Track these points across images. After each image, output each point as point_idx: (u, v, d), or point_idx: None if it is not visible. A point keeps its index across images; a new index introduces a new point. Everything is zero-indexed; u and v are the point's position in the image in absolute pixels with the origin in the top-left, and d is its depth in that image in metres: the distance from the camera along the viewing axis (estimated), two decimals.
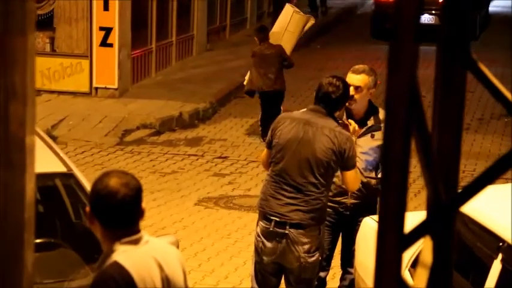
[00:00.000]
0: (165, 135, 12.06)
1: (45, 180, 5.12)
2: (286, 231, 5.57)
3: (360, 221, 6.06)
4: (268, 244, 5.64)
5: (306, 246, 5.57)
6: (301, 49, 18.29)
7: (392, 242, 1.57)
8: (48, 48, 13.30)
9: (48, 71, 13.09)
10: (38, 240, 3.81)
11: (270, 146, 5.71)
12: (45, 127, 10.98)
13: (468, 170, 10.07)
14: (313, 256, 5.60)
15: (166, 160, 10.96)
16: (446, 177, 1.73)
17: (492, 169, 1.68)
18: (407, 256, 4.32)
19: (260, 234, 5.68)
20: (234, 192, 9.78)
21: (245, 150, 11.43)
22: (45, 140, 5.59)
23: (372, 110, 6.20)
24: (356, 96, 6.06)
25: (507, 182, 5.92)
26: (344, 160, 5.55)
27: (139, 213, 3.43)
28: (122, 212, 3.38)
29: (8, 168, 1.68)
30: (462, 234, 4.60)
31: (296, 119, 5.64)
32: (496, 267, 4.32)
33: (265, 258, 5.70)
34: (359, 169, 5.99)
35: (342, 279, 6.43)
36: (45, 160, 5.12)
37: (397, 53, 1.66)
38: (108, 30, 13.00)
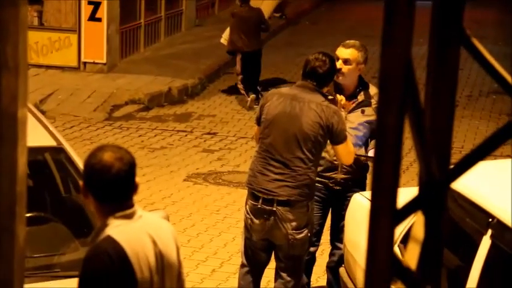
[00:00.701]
0: (154, 110, 12.03)
1: (35, 154, 5.10)
2: (274, 209, 5.57)
3: (350, 197, 6.09)
4: (257, 221, 5.65)
5: (294, 223, 5.57)
6: (290, 26, 18.28)
7: (385, 217, 1.57)
8: (36, 22, 13.22)
9: (36, 45, 13.01)
10: (28, 215, 3.80)
11: (259, 122, 5.72)
12: (34, 101, 10.93)
13: (456, 147, 10.10)
14: (301, 233, 5.61)
15: (155, 136, 10.95)
16: (439, 153, 1.73)
17: (484, 146, 1.69)
18: (397, 232, 4.33)
19: (249, 212, 5.69)
20: (223, 168, 9.79)
21: (234, 126, 11.42)
22: (35, 114, 5.57)
23: (362, 86, 6.20)
24: (344, 70, 6.07)
25: (495, 159, 5.94)
26: (333, 134, 5.54)
27: (133, 187, 3.43)
28: (116, 186, 3.37)
29: (0, 142, 1.67)
30: (452, 210, 4.62)
31: (283, 94, 5.64)
32: (486, 243, 4.35)
33: (254, 235, 5.71)
34: None
35: (331, 254, 6.46)
36: (35, 134, 5.10)
37: (391, 28, 1.65)
38: (96, 5, 12.93)
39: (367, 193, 5.76)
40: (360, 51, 6.15)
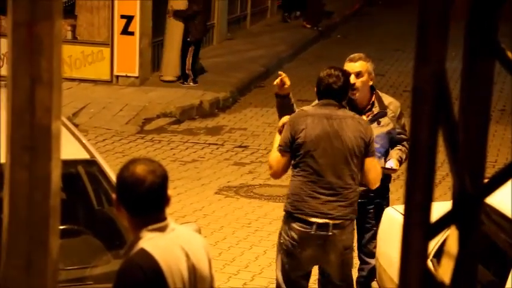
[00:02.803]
0: (185, 123, 12.07)
1: (68, 167, 5.13)
2: (330, 233, 5.45)
3: (372, 209, 6.07)
4: (309, 249, 5.50)
5: (346, 243, 5.53)
6: (321, 39, 18.29)
7: (418, 232, 1.56)
8: (69, 35, 13.34)
9: (70, 58, 13.13)
10: (61, 227, 3.85)
11: (289, 149, 5.51)
12: (67, 115, 11.02)
13: (490, 161, 10.01)
14: (352, 251, 5.63)
15: (187, 149, 10.98)
16: (472, 168, 1.72)
17: None
18: (431, 247, 4.30)
19: (296, 240, 5.50)
20: (254, 181, 9.78)
21: (265, 139, 11.42)
22: (68, 127, 5.61)
23: (376, 97, 6.16)
24: (358, 84, 6.01)
25: None
26: (369, 146, 5.53)
27: (165, 200, 3.43)
28: (148, 199, 3.38)
29: (34, 154, 1.69)
30: (485, 225, 4.58)
31: (316, 114, 5.51)
32: None
33: (303, 263, 5.58)
34: None
35: (360, 269, 6.41)
36: (68, 147, 5.13)
37: (425, 43, 1.65)
38: (129, 19, 13.02)
39: (400, 207, 5.73)
40: (367, 61, 6.14)
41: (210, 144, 11.20)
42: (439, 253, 4.05)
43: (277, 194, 9.24)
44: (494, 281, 4.56)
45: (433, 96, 1.63)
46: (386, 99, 6.19)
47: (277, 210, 8.87)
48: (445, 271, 1.67)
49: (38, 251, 1.68)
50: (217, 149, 11.01)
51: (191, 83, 13.37)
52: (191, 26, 13.09)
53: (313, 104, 5.70)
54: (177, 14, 13.04)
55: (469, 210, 1.68)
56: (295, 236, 5.49)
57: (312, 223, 5.43)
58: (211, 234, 8.07)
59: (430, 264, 4.67)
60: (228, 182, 9.74)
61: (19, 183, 1.68)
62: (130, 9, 13.04)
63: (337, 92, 5.52)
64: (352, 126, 5.49)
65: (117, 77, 13.30)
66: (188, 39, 13.21)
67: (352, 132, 5.47)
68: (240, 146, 11.14)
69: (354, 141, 5.45)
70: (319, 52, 16.99)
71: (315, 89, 5.65)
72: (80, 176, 5.38)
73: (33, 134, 1.70)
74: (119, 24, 13.05)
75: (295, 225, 5.49)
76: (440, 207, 1.82)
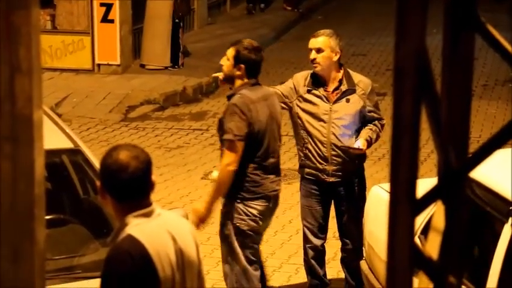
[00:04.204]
0: (169, 110, 12.05)
1: (52, 156, 5.12)
2: (277, 201, 5.90)
3: (347, 189, 6.10)
4: (266, 220, 5.82)
5: None
6: (302, 21, 18.26)
7: (404, 208, 1.57)
8: (49, 25, 13.26)
9: (50, 48, 13.05)
10: (47, 217, 3.84)
11: (245, 138, 5.51)
12: (49, 105, 10.96)
13: (474, 137, 10.04)
14: None
15: (171, 135, 10.96)
16: (456, 143, 1.72)
17: (501, 134, 1.68)
18: (417, 224, 4.33)
19: (257, 214, 5.70)
20: None
21: None
22: (51, 117, 5.59)
23: (345, 75, 6.14)
24: (318, 59, 6.05)
25: None
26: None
27: (150, 185, 3.43)
28: (133, 185, 3.38)
29: (16, 144, 1.68)
30: (471, 199, 4.60)
31: (256, 99, 5.59)
32: (507, 231, 4.32)
33: (261, 232, 5.88)
34: (335, 135, 6.02)
35: (342, 250, 6.43)
36: (51, 137, 5.11)
37: (404, 20, 1.64)
38: (108, 6, 12.95)
39: (386, 185, 5.75)
40: (330, 37, 6.10)
41: (194, 129, 11.18)
42: (426, 230, 4.06)
43: None
44: (482, 255, 4.59)
45: (414, 73, 1.63)
46: (356, 77, 6.16)
47: None
48: (432, 247, 1.67)
49: (24, 241, 1.68)
50: (202, 134, 11.00)
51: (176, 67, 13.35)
52: (175, 6, 13.08)
53: (240, 84, 5.65)
54: None
55: (454, 185, 1.69)
56: (256, 212, 5.70)
57: (270, 199, 5.74)
58: None
59: (417, 240, 4.68)
60: (214, 167, 9.72)
61: (2, 174, 1.68)
62: None
63: (260, 68, 5.73)
64: (277, 102, 5.81)
65: (99, 65, 13.24)
66: (177, 20, 13.21)
67: (278, 108, 5.81)
68: None
69: (279, 117, 5.81)
70: (301, 34, 16.96)
71: (241, 67, 5.64)
72: (65, 166, 5.37)
73: (14, 124, 1.69)
74: (98, 12, 12.97)
75: (254, 204, 5.69)
76: (426, 184, 1.82)
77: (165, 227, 3.47)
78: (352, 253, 6.24)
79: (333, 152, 6.04)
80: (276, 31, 16.66)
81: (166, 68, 13.34)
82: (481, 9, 1.74)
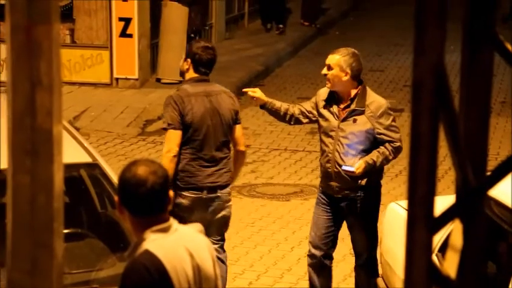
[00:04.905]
0: None
1: (71, 170, 5.13)
2: (218, 194, 6.09)
3: (349, 206, 6.08)
4: (201, 212, 6.04)
5: (228, 198, 6.20)
6: (320, 36, 18.27)
7: (422, 225, 1.56)
8: (68, 39, 13.34)
9: (69, 62, 13.12)
10: (65, 231, 3.85)
11: (181, 125, 5.97)
12: (68, 119, 11.02)
13: (492, 154, 10.00)
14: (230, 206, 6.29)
15: None
16: (474, 160, 1.72)
17: None
18: (434, 241, 4.30)
19: (187, 205, 5.98)
20: (256, 180, 9.78)
21: (267, 138, 11.42)
22: (69, 131, 5.61)
23: (361, 95, 6.10)
24: (328, 76, 6.10)
25: None
26: (237, 115, 6.24)
27: (167, 201, 3.44)
28: (151, 200, 3.38)
29: (36, 158, 1.69)
30: (489, 217, 4.58)
31: (196, 93, 6.05)
32: None
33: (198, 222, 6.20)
34: (339, 153, 6.03)
35: (355, 266, 6.41)
36: (70, 150, 5.13)
37: (423, 36, 1.64)
38: (127, 21, 13.01)
39: (403, 202, 5.73)
40: (343, 56, 6.08)
41: None
42: (444, 247, 4.04)
43: (280, 193, 9.24)
44: (500, 274, 4.56)
45: (432, 89, 1.63)
46: (371, 97, 6.10)
47: (281, 209, 8.88)
48: (450, 265, 1.66)
49: (42, 254, 1.68)
50: None
51: None
52: (189, 19, 13.11)
53: (187, 78, 6.18)
54: None
55: (473, 203, 1.68)
56: (186, 202, 6.01)
57: (202, 189, 6.01)
58: None
59: (435, 258, 4.66)
60: None
61: (22, 188, 1.69)
62: (128, 11, 13.03)
63: (212, 66, 6.21)
64: (226, 100, 6.15)
65: (117, 79, 13.30)
66: (192, 35, 13.24)
67: (227, 105, 6.12)
68: None
69: (229, 114, 6.12)
70: (318, 49, 16.97)
71: (188, 61, 6.13)
72: (83, 180, 5.38)
73: (34, 138, 1.70)
74: (117, 26, 13.04)
75: (184, 194, 6.02)
76: (444, 202, 1.82)
77: (182, 243, 3.48)
78: (362, 269, 6.23)
79: (335, 170, 6.07)
80: (294, 46, 16.67)
81: (181, 82, 13.38)
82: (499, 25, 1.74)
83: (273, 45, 16.35)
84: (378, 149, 6.00)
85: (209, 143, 6.02)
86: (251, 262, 7.55)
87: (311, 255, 6.34)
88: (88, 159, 5.35)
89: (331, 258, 6.33)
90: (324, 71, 6.13)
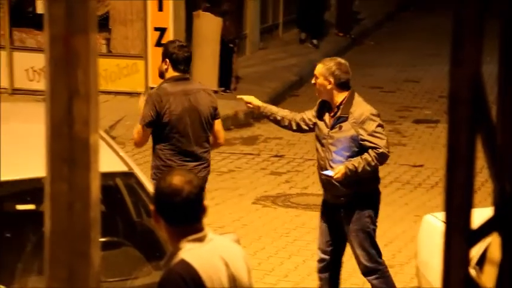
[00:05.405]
0: None
1: (106, 179, 5.16)
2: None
3: (341, 213, 6.15)
4: None
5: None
6: (354, 46, 18.24)
7: (459, 238, 1.55)
8: (104, 49, 13.45)
9: (105, 71, 13.22)
10: (101, 239, 3.87)
11: (151, 124, 6.33)
12: (103, 127, 11.09)
13: None
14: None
15: (223, 159, 10.99)
16: None
17: None
18: (472, 254, 4.25)
19: None
20: (291, 190, 9.77)
21: (301, 148, 11.41)
22: (105, 140, 5.64)
23: (347, 102, 6.17)
24: (316, 85, 6.27)
25: None
26: (216, 110, 6.57)
27: (203, 210, 3.45)
28: (186, 209, 3.40)
29: (73, 166, 1.70)
30: None
31: (175, 92, 6.33)
32: None
33: None
34: (328, 160, 6.13)
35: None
36: (106, 159, 5.14)
37: (460, 47, 1.63)
38: (162, 31, 13.09)
39: (439, 214, 5.69)
40: (325, 65, 6.23)
41: (246, 154, 11.20)
42: (482, 260, 4.01)
43: (315, 203, 9.21)
44: None
45: (469, 100, 1.62)
46: (355, 104, 6.16)
47: (315, 219, 8.82)
48: (488, 279, 1.65)
49: (79, 262, 1.69)
50: (253, 158, 11.01)
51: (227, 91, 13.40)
52: (223, 29, 13.15)
53: (167, 78, 6.44)
54: (209, 10, 13.09)
55: (510, 215, 1.66)
56: None
57: None
58: (250, 244, 8.07)
59: (473, 272, 4.61)
60: (265, 191, 9.74)
61: (59, 196, 1.70)
62: (164, 21, 13.11)
63: (189, 63, 6.51)
64: (205, 97, 6.48)
65: (152, 88, 13.37)
66: (231, 45, 13.27)
67: (206, 103, 6.46)
68: (276, 156, 11.13)
69: (208, 110, 6.46)
70: (353, 59, 16.88)
71: (167, 61, 6.41)
72: (119, 189, 5.41)
73: (71, 147, 1.71)
74: (152, 36, 13.12)
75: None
76: (482, 214, 1.80)
77: (218, 252, 3.48)
78: (363, 270, 6.28)
79: (324, 177, 6.20)
80: (328, 56, 16.60)
81: (216, 92, 13.41)
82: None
83: (307, 55, 16.35)
84: (361, 156, 6.05)
85: (189, 139, 6.37)
86: (285, 272, 7.54)
87: (319, 260, 6.45)
88: (124, 168, 5.38)
89: (339, 264, 6.39)
90: (313, 80, 6.32)
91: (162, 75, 6.55)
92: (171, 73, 6.44)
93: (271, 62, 15.75)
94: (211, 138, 6.61)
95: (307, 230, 8.41)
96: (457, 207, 1.59)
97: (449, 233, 1.57)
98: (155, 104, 6.33)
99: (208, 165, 6.58)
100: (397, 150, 11.18)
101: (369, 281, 6.31)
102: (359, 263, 6.29)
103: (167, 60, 6.42)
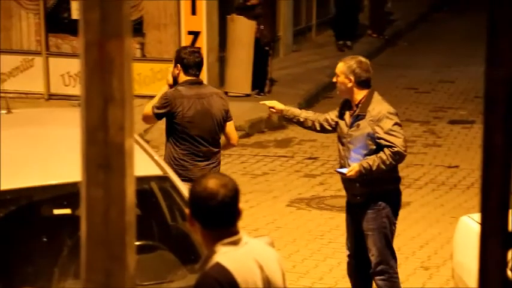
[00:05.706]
0: (255, 137, 12.10)
1: (141, 183, 5.18)
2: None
3: (360, 212, 6.13)
4: None
5: None
6: (388, 48, 18.17)
7: (496, 240, 1.53)
8: (138, 53, 13.53)
9: (139, 76, 13.31)
10: (136, 243, 3.89)
11: (160, 117, 6.68)
12: (138, 132, 11.15)
13: None
14: None
15: (257, 162, 11.00)
16: None
17: None
18: (509, 256, 4.21)
19: None
20: (325, 192, 9.75)
21: (335, 150, 11.25)
22: (140, 144, 5.67)
23: (365, 101, 6.16)
24: (337, 84, 6.30)
25: None
26: (228, 113, 6.82)
27: (238, 213, 3.45)
28: (222, 213, 3.40)
29: (109, 171, 1.71)
30: None
31: (189, 96, 6.57)
32: None
33: None
34: (347, 159, 6.13)
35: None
36: (140, 163, 5.17)
37: (496, 48, 1.62)
38: (196, 34, 13.14)
39: (475, 215, 5.64)
40: (346, 63, 6.24)
41: (280, 156, 11.21)
42: None
43: None
44: None
45: (505, 100, 1.60)
46: (373, 103, 6.15)
47: None
48: None
49: (115, 266, 1.70)
50: (287, 161, 11.01)
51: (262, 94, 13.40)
52: (258, 32, 13.17)
53: (182, 82, 6.65)
54: (242, 9, 13.12)
55: None
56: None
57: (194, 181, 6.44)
58: (284, 246, 8.07)
59: (510, 274, 4.57)
60: (299, 194, 9.73)
61: (95, 201, 1.71)
62: (197, 25, 13.16)
63: (201, 67, 6.73)
64: (217, 101, 6.71)
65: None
66: (266, 48, 13.29)
67: (218, 106, 6.69)
68: (309, 158, 11.11)
69: (220, 114, 6.70)
70: (386, 60, 16.88)
71: (179, 67, 6.64)
72: (153, 192, 5.43)
73: (107, 152, 1.72)
74: (186, 40, 13.18)
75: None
76: None
77: (253, 255, 3.48)
78: (373, 269, 6.24)
79: (341, 175, 6.23)
80: None
81: (248, 95, 13.43)
82: None
83: (341, 57, 16.24)
84: (376, 154, 6.02)
85: (202, 140, 6.60)
86: (320, 275, 7.52)
87: (348, 260, 6.46)
88: (158, 172, 5.40)
89: (367, 263, 6.31)
90: (334, 78, 6.34)
91: (175, 80, 6.76)
92: (183, 77, 6.67)
93: (305, 64, 15.74)
94: (223, 140, 6.85)
95: (341, 232, 8.37)
96: (492, 209, 1.58)
97: (484, 234, 1.56)
98: (169, 103, 6.60)
99: (218, 165, 6.79)
100: (432, 151, 11.11)
101: (375, 281, 6.30)
102: (371, 261, 6.27)
103: (178, 65, 6.67)
